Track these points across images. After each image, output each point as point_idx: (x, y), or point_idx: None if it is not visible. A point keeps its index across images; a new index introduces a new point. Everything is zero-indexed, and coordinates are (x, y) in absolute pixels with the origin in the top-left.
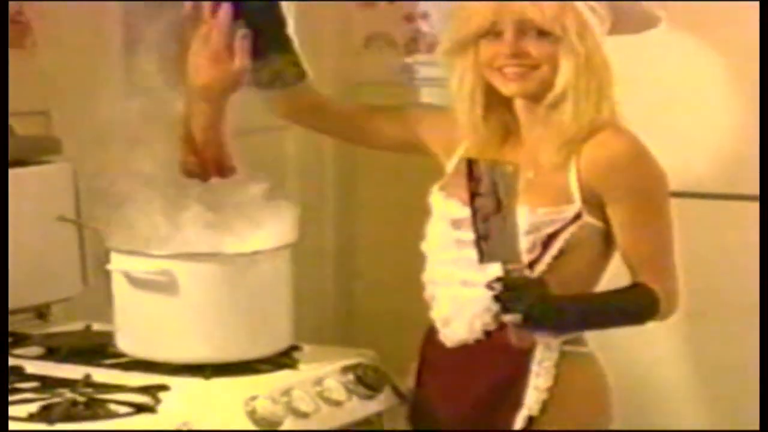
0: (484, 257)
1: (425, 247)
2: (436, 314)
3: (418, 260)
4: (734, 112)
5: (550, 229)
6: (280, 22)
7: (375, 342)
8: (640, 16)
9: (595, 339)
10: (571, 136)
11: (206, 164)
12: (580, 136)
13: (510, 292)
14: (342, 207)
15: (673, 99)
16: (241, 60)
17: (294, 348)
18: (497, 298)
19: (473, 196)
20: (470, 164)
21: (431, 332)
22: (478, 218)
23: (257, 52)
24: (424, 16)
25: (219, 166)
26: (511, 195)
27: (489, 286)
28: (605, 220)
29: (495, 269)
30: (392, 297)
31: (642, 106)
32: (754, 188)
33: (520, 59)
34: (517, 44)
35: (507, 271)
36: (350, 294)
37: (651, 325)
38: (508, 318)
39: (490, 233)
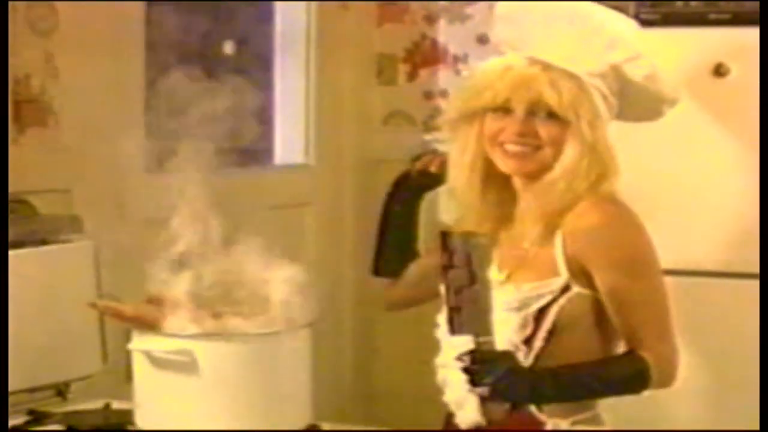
0: (454, 329)
1: (439, 333)
2: (450, 397)
3: (435, 337)
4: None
5: (538, 304)
6: (412, 236)
7: (394, 421)
8: (645, 107)
9: None
10: (551, 211)
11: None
12: (560, 211)
13: (478, 365)
14: (360, 285)
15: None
16: None
17: (313, 427)
18: (466, 371)
19: (446, 268)
20: (444, 236)
21: (450, 415)
22: (450, 291)
23: (384, 242)
24: (443, 93)
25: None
26: (485, 267)
27: (458, 359)
28: (595, 289)
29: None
30: (411, 375)
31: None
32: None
33: (526, 138)
34: (526, 123)
35: (478, 344)
36: (369, 372)
37: None
38: (477, 391)
39: (462, 305)
